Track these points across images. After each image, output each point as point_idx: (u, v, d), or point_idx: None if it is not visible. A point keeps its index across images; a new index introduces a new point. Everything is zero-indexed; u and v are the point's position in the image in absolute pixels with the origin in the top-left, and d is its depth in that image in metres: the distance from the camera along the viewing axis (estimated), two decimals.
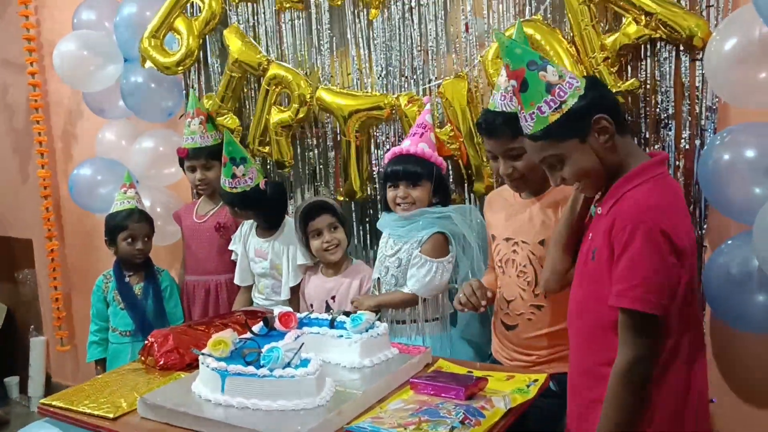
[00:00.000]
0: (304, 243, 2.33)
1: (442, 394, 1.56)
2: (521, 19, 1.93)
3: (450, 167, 2.23)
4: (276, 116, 2.50)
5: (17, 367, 3.57)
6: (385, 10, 2.31)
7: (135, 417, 1.56)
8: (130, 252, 2.55)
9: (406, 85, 2.33)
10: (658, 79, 1.91)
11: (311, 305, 2.33)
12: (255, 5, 2.57)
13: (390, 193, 2.10)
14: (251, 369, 1.50)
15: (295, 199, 2.65)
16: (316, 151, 2.57)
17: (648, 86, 1.92)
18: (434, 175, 2.09)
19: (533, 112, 1.40)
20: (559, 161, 1.42)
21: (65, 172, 3.29)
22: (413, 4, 2.26)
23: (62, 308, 3.52)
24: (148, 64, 2.65)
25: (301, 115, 2.46)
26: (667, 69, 1.89)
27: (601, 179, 1.42)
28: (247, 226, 2.52)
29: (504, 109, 1.71)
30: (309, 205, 2.30)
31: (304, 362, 1.54)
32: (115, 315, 2.59)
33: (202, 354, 1.59)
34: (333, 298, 2.31)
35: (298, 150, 2.59)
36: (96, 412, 1.58)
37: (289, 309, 1.81)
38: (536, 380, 1.63)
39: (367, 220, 2.51)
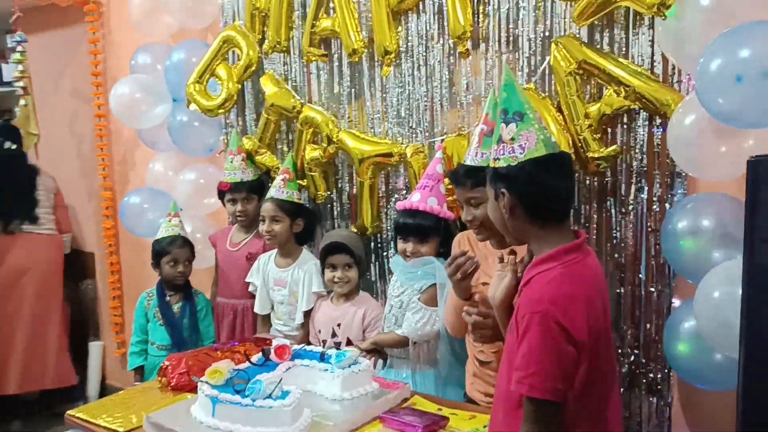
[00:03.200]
0: (321, 272, 2.57)
1: (405, 430, 1.75)
2: (509, 66, 2.07)
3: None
4: (310, 154, 2.74)
5: (78, 368, 3.94)
6: (396, 68, 2.52)
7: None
8: (172, 274, 2.85)
9: (413, 136, 2.53)
10: (632, 144, 2.04)
11: (319, 331, 2.56)
12: (286, 56, 2.83)
13: (400, 245, 2.30)
14: (238, 398, 1.74)
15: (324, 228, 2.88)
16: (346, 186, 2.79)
17: (624, 150, 2.06)
18: (442, 229, 2.28)
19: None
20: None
21: (122, 193, 3.64)
22: (421, 62, 2.46)
23: (118, 316, 3.89)
24: (193, 106, 2.95)
25: (330, 152, 2.70)
26: (642, 135, 2.03)
27: (502, 236, 1.54)
28: (265, 258, 2.77)
29: (471, 162, 1.89)
30: (330, 244, 2.53)
31: (284, 394, 1.76)
32: (154, 330, 2.89)
33: (200, 381, 1.84)
34: (338, 325, 2.52)
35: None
36: (110, 426, 1.85)
37: (286, 342, 2.05)
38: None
39: (384, 254, 2.70)
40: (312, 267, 2.65)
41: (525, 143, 1.40)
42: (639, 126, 2.03)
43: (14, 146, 3.60)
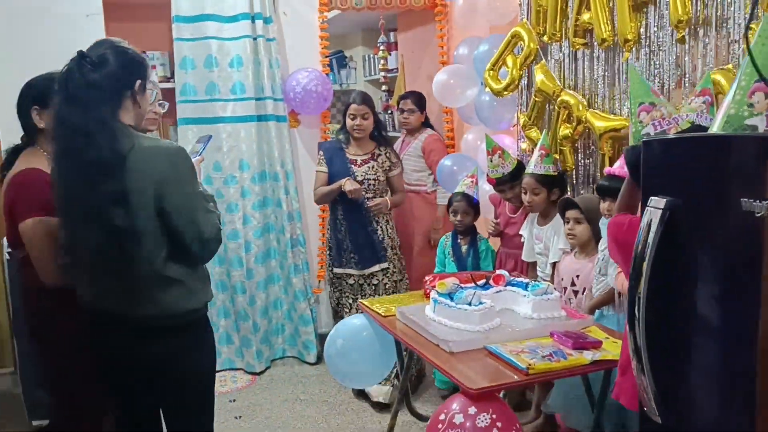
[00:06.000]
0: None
1: (561, 342, 2.29)
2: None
3: None
4: (563, 131, 3.28)
5: None
6: (635, 52, 2.87)
7: (394, 318, 2.70)
8: (454, 221, 3.68)
9: None
10: None
11: (562, 279, 3.09)
12: (560, 44, 3.36)
13: (601, 205, 2.73)
14: (448, 301, 2.49)
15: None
16: (591, 159, 3.26)
17: None
18: None
19: None
20: None
21: None
22: (653, 48, 2.78)
23: None
24: (487, 89, 3.69)
25: (579, 131, 3.19)
26: None
27: None
28: (533, 216, 3.38)
29: None
30: (564, 200, 3.05)
31: (480, 303, 2.45)
32: (448, 264, 3.77)
33: (432, 289, 2.64)
34: (577, 276, 3.04)
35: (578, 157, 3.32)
36: (379, 311, 2.78)
37: (503, 272, 2.71)
38: None
39: None
40: (560, 228, 3.18)
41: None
42: None
43: None
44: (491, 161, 3.46)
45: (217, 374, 3.20)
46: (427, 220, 4.38)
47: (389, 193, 4.00)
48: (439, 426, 2.01)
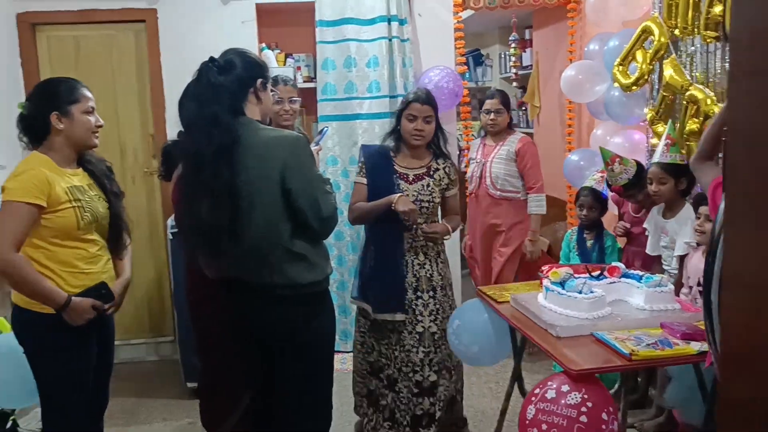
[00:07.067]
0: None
1: (669, 333, 2.32)
2: None
3: None
4: (689, 126, 3.23)
5: None
6: None
7: (509, 305, 2.82)
8: (581, 217, 3.71)
9: None
10: None
11: (688, 277, 3.04)
12: (692, 38, 3.31)
13: None
14: (559, 289, 2.58)
15: None
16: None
17: None
18: None
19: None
20: None
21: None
22: None
23: None
24: (616, 84, 3.69)
25: (706, 126, 3.13)
26: None
27: None
28: (658, 207, 3.35)
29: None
30: (701, 194, 3.01)
31: (590, 291, 2.52)
32: (572, 258, 3.81)
33: (545, 277, 2.74)
34: None
35: None
36: (494, 297, 2.91)
37: (619, 264, 2.76)
38: None
39: None
40: (688, 221, 3.14)
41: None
42: None
43: None
44: (612, 171, 3.46)
45: None
46: (518, 230, 4.15)
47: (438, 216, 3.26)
48: (532, 399, 2.14)
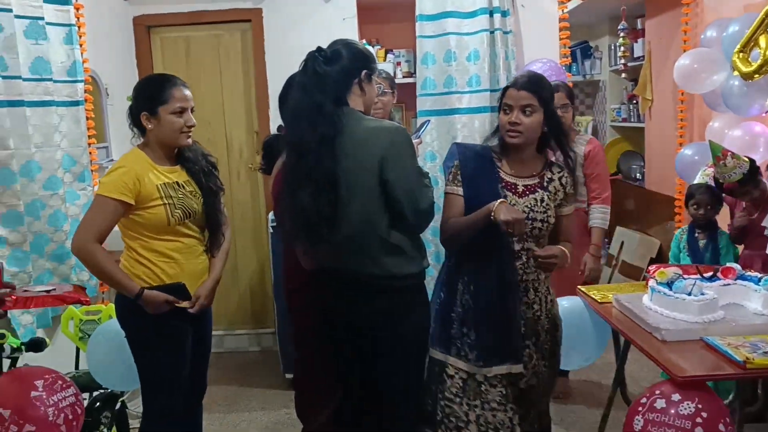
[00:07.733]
0: None
1: None
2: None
3: None
4: None
5: None
6: None
7: (610, 305, 2.68)
8: (696, 215, 3.46)
9: None
10: None
11: None
12: None
13: None
14: (665, 290, 2.42)
15: None
16: None
17: None
18: None
19: None
20: None
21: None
22: None
23: None
24: (735, 72, 3.42)
25: None
26: None
27: None
28: None
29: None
30: None
31: (701, 293, 2.34)
32: (683, 259, 3.57)
33: (651, 277, 2.57)
34: None
35: None
36: (595, 296, 2.77)
37: (735, 265, 2.55)
38: None
39: None
40: None
41: None
42: None
43: None
44: (724, 165, 3.19)
45: None
46: (579, 243, 3.25)
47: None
48: (639, 409, 1.99)
